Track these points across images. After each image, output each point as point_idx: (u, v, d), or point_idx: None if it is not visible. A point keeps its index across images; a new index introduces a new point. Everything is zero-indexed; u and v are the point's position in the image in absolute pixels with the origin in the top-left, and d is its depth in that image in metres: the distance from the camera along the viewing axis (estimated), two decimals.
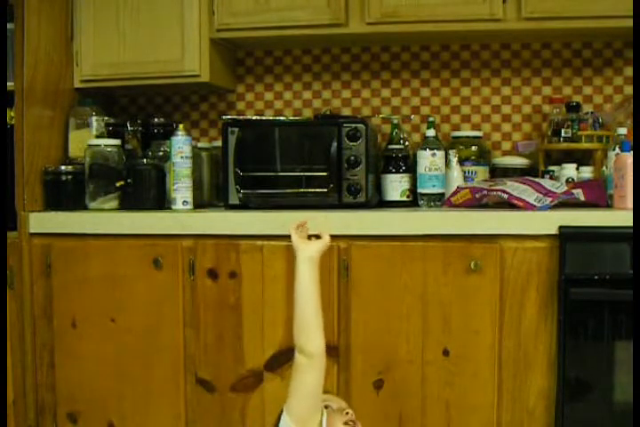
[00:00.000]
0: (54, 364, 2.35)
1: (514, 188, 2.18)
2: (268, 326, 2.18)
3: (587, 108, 2.59)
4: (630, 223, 1.89)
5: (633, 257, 1.95)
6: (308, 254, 1.65)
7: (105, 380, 2.31)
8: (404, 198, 2.47)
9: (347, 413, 1.63)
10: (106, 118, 2.58)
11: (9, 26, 2.36)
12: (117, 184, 2.42)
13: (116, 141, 2.47)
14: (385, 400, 2.14)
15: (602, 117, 2.50)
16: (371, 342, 2.14)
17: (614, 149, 2.30)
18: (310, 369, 1.56)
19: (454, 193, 2.38)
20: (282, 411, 1.59)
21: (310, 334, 1.57)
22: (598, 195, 2.27)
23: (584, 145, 2.47)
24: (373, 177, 2.40)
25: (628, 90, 2.61)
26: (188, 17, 2.50)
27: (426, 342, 2.11)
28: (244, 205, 2.37)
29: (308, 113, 2.82)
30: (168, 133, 2.49)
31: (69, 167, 2.45)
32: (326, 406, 1.63)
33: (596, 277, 1.99)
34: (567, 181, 2.42)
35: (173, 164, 2.36)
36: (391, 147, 2.54)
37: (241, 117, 2.77)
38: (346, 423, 1.61)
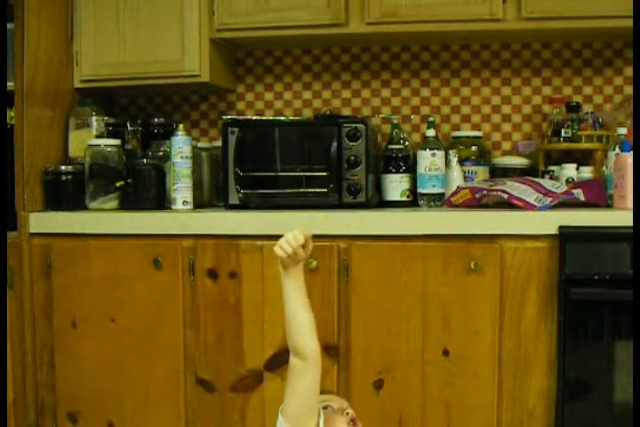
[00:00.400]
0: (54, 364, 2.35)
1: (514, 188, 2.18)
2: (267, 326, 2.18)
3: (587, 108, 2.59)
4: (630, 223, 1.89)
5: (633, 257, 1.95)
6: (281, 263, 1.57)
7: (105, 380, 2.31)
8: (404, 198, 2.47)
9: (347, 413, 1.62)
10: (106, 118, 2.58)
11: (9, 26, 2.36)
12: (117, 184, 2.42)
13: (116, 141, 2.47)
14: (385, 400, 2.14)
15: (602, 117, 2.50)
16: (371, 342, 2.14)
17: (614, 149, 2.30)
18: (305, 372, 1.55)
19: (454, 193, 2.38)
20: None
21: (304, 337, 1.56)
22: (598, 195, 2.27)
23: (584, 145, 2.47)
24: (373, 177, 2.40)
25: (628, 90, 2.61)
26: (188, 17, 2.50)
27: (426, 342, 2.11)
28: (244, 205, 2.37)
29: (308, 113, 2.82)
30: (168, 133, 2.49)
31: (69, 167, 2.45)
32: (326, 407, 1.62)
33: (596, 277, 1.99)
34: (567, 181, 2.42)
35: (173, 164, 2.36)
36: (391, 147, 2.54)
37: (241, 117, 2.77)
38: (347, 423, 1.60)
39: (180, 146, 2.36)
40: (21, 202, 2.37)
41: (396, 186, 2.47)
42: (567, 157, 2.54)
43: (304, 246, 1.54)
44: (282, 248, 1.53)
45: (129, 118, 2.72)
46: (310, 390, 1.55)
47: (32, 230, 2.36)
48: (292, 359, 1.56)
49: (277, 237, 2.14)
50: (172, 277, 2.25)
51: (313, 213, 2.19)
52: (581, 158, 2.53)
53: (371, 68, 2.79)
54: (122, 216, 2.33)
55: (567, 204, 2.18)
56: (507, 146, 2.71)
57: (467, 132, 2.68)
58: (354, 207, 2.29)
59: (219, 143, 2.50)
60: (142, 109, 2.97)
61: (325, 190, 2.32)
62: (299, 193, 2.34)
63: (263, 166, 2.36)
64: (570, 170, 2.45)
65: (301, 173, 2.34)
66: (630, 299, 1.83)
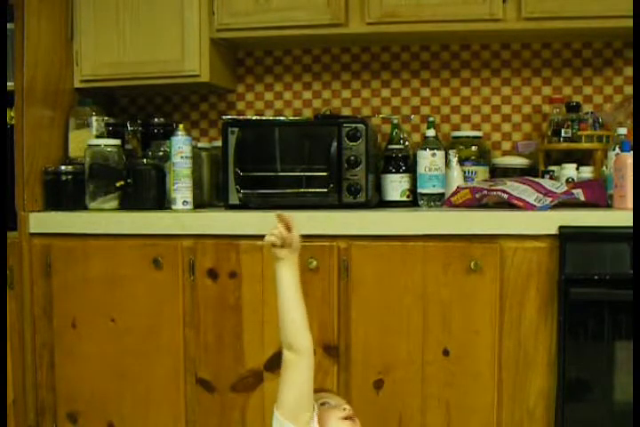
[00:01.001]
0: (54, 364, 2.35)
1: (514, 188, 2.18)
2: (267, 326, 2.18)
3: (587, 108, 2.59)
4: (630, 223, 1.89)
5: (633, 257, 1.95)
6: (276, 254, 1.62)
7: (105, 380, 2.31)
8: (404, 198, 2.47)
9: (344, 409, 1.63)
10: (106, 118, 2.59)
11: (9, 26, 2.36)
12: (117, 184, 2.42)
13: (116, 141, 2.48)
14: (385, 400, 2.14)
15: (602, 117, 2.50)
16: (371, 342, 2.14)
17: (614, 149, 2.30)
18: (299, 366, 1.56)
19: (454, 193, 2.38)
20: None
21: (298, 331, 1.57)
22: (598, 195, 2.27)
23: (584, 145, 2.47)
24: (373, 177, 2.40)
25: (628, 90, 2.61)
26: (188, 17, 2.50)
27: (426, 342, 2.11)
28: (244, 205, 2.37)
29: (308, 113, 2.82)
30: (168, 133, 2.49)
31: (69, 167, 2.45)
32: (324, 403, 1.63)
33: (595, 277, 1.99)
34: (567, 181, 2.42)
35: (173, 164, 2.36)
36: (391, 147, 2.54)
37: (241, 117, 2.77)
38: (344, 419, 1.61)
39: (180, 146, 2.36)
40: (21, 202, 2.37)
41: (396, 186, 2.47)
42: (567, 157, 2.54)
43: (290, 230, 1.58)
44: (272, 235, 1.56)
45: (129, 118, 2.72)
46: (304, 384, 1.56)
47: (32, 230, 2.36)
48: (286, 354, 1.58)
49: None
50: (172, 277, 2.25)
51: (313, 213, 2.19)
52: (581, 158, 2.52)
53: (371, 68, 2.79)
54: (122, 216, 2.33)
55: (567, 204, 2.18)
56: (507, 146, 2.71)
57: (467, 132, 2.68)
58: (354, 207, 2.29)
59: (219, 143, 2.50)
60: (142, 109, 2.97)
61: (325, 190, 2.32)
62: (299, 193, 2.34)
63: (263, 166, 2.36)
64: (570, 170, 2.45)
65: (301, 173, 2.34)
66: (630, 299, 1.84)
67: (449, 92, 2.74)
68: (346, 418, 1.61)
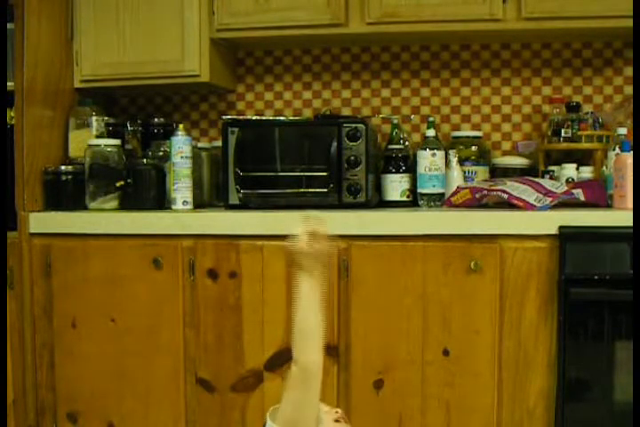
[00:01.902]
0: (54, 364, 2.35)
1: (514, 188, 2.18)
2: (268, 326, 2.18)
3: (587, 108, 2.59)
4: (630, 223, 1.89)
5: (633, 257, 1.95)
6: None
7: (105, 380, 2.31)
8: (404, 198, 2.47)
9: (336, 411, 1.60)
10: (106, 118, 2.59)
11: (9, 26, 2.36)
12: (117, 184, 2.42)
13: (116, 141, 2.48)
14: (385, 400, 2.14)
15: (602, 117, 2.50)
16: (371, 342, 2.14)
17: (614, 149, 2.30)
18: (305, 385, 1.42)
19: (454, 193, 2.38)
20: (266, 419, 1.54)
21: (309, 351, 1.45)
22: (598, 195, 2.27)
23: (584, 145, 2.47)
24: (373, 177, 2.40)
25: (628, 90, 2.61)
26: (188, 17, 2.50)
27: (426, 342, 2.11)
28: (244, 205, 2.37)
29: (308, 113, 2.82)
30: (168, 133, 2.49)
31: (69, 167, 2.46)
32: None
33: (595, 277, 1.99)
34: (567, 181, 2.42)
35: (173, 164, 2.36)
36: (391, 147, 2.54)
37: (241, 117, 2.77)
38: (337, 421, 1.58)
39: (180, 146, 2.36)
40: (21, 202, 2.37)
41: (396, 186, 2.47)
42: (567, 157, 2.54)
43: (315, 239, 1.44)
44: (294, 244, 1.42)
45: (129, 118, 2.72)
46: (307, 404, 1.45)
47: (32, 230, 2.36)
48: (294, 369, 1.47)
49: (277, 237, 2.14)
50: (172, 277, 2.25)
51: (313, 213, 2.19)
52: (581, 158, 2.52)
53: (371, 68, 2.79)
54: (122, 216, 2.33)
55: (567, 204, 2.18)
56: (507, 146, 2.71)
57: (467, 132, 2.68)
58: (354, 207, 2.29)
59: (219, 143, 2.50)
60: (142, 109, 2.97)
61: (325, 190, 2.32)
62: (299, 193, 2.34)
63: (263, 166, 2.36)
64: (570, 170, 2.45)
65: (301, 173, 2.34)
66: (630, 299, 1.84)
67: (449, 92, 2.74)
68: (337, 420, 1.58)
